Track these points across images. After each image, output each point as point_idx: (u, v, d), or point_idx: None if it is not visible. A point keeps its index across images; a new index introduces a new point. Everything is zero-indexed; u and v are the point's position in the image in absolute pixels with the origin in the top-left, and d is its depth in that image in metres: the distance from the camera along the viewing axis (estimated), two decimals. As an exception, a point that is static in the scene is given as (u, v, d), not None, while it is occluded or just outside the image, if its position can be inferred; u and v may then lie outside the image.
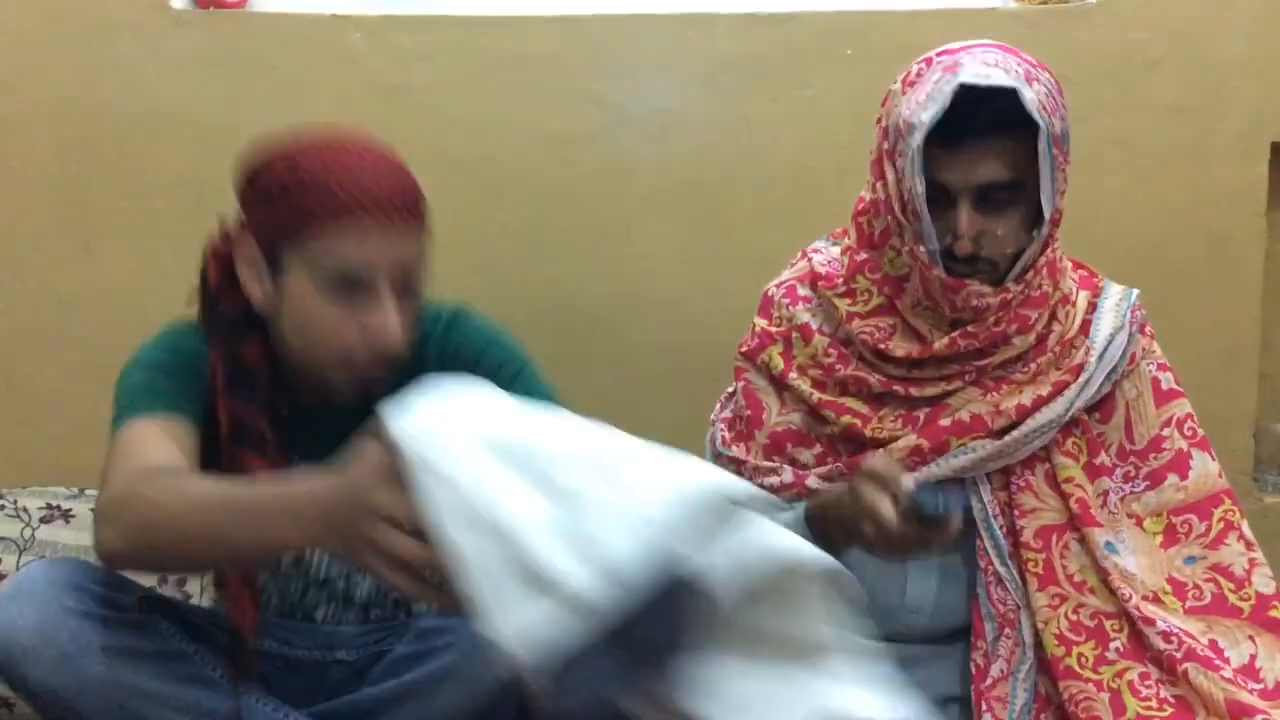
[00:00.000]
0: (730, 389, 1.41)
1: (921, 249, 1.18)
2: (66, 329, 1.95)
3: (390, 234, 1.12)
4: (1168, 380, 1.28)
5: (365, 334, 1.12)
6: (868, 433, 1.25)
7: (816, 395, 1.28)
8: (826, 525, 1.15)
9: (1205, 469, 1.26)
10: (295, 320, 1.14)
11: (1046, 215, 1.16)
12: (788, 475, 1.29)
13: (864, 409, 1.26)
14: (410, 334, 1.17)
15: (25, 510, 1.78)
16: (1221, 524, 1.25)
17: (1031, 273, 1.19)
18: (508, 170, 1.90)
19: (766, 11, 1.88)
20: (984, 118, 1.12)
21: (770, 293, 1.35)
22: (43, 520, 1.77)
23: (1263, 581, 1.23)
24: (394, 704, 1.21)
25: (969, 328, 1.20)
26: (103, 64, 1.89)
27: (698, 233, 1.91)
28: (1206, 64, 1.85)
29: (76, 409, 1.92)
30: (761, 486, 1.34)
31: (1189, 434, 1.26)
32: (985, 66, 1.13)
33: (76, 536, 1.75)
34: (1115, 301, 1.27)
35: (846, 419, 1.26)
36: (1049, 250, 1.21)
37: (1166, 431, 1.26)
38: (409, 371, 1.19)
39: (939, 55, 1.19)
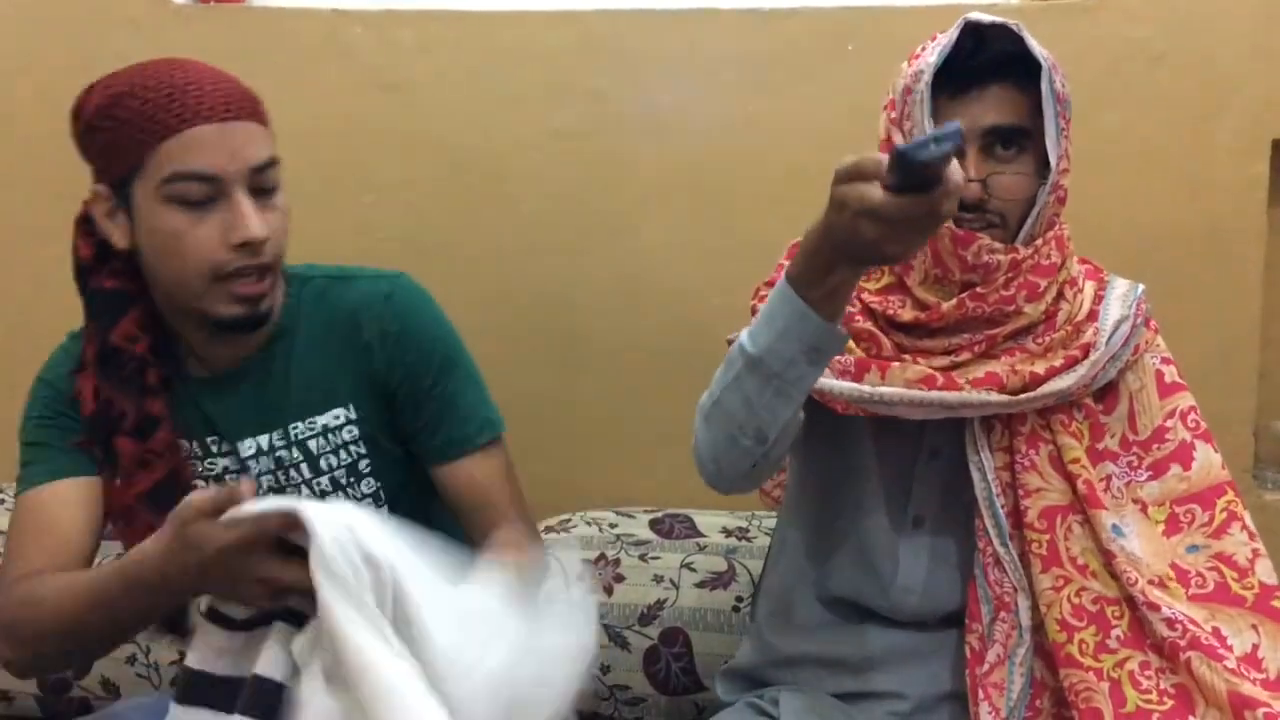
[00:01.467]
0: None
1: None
2: (64, 324, 1.94)
3: (225, 135, 1.11)
4: (1171, 373, 1.28)
5: (225, 234, 1.11)
6: (883, 353, 1.24)
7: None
8: (822, 268, 1.06)
9: (1208, 460, 1.25)
10: (157, 249, 1.13)
11: (1052, 161, 1.17)
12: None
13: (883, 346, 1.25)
14: (281, 237, 1.16)
15: (25, 504, 1.78)
16: (1225, 514, 1.24)
17: (1041, 240, 1.20)
18: (508, 166, 1.90)
19: (768, 7, 1.87)
20: (988, 59, 1.16)
21: (783, 263, 1.34)
22: (43, 514, 1.77)
23: (1265, 572, 1.22)
24: None
25: (978, 288, 1.20)
26: (103, 59, 1.86)
27: (699, 228, 1.91)
28: (1208, 61, 1.84)
29: (77, 403, 1.93)
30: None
31: (1192, 425, 1.26)
32: (988, 14, 1.17)
33: (76, 531, 1.75)
34: (1122, 293, 1.27)
35: (857, 353, 1.24)
36: (1058, 226, 1.22)
37: (1170, 423, 1.26)
38: (348, 341, 1.25)
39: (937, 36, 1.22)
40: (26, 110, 1.91)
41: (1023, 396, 1.21)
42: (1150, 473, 1.26)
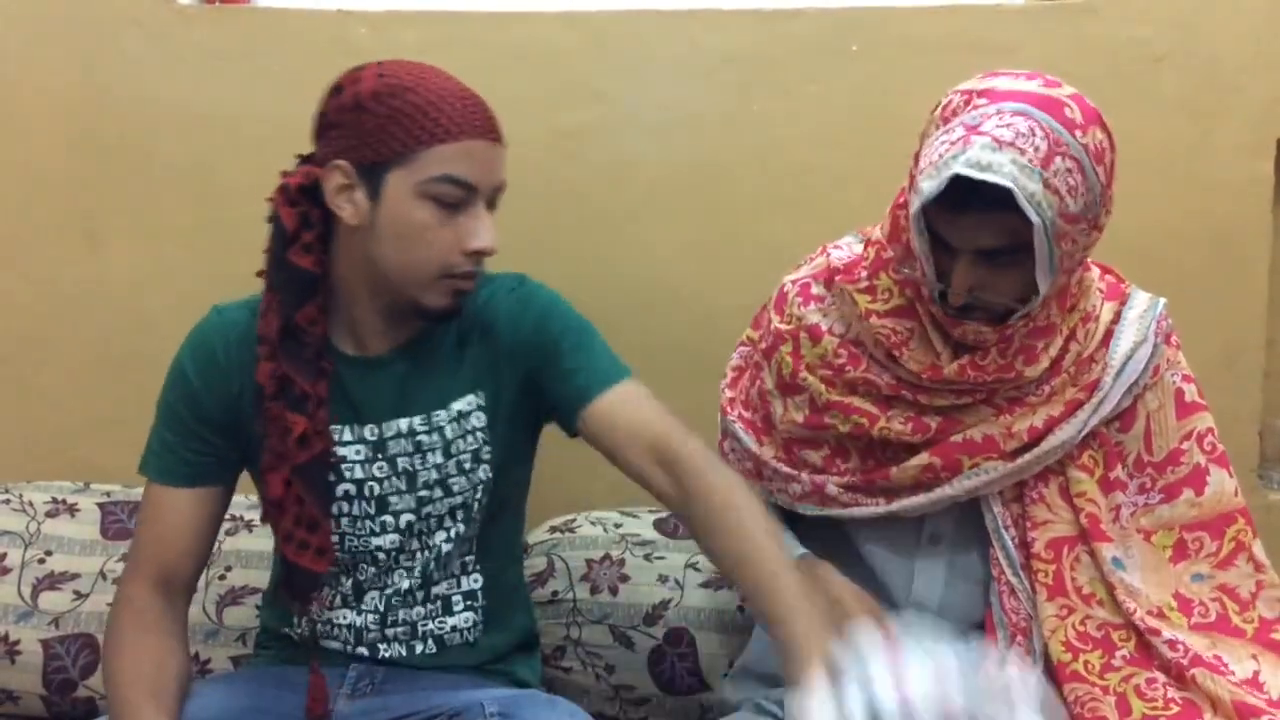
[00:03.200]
0: (735, 361, 1.42)
1: (925, 285, 1.19)
2: (72, 324, 1.95)
3: (490, 152, 1.22)
4: (1191, 392, 1.27)
5: (462, 240, 1.21)
6: (875, 432, 1.25)
7: (825, 396, 1.28)
8: None
9: (1221, 486, 1.25)
10: (398, 235, 1.20)
11: (1041, 292, 1.13)
12: (806, 483, 1.31)
13: (872, 409, 1.26)
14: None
15: (31, 504, 1.79)
16: (1233, 544, 1.24)
17: (1038, 309, 1.18)
18: (512, 166, 1.86)
19: (771, 7, 1.87)
20: (985, 195, 1.07)
21: (785, 288, 1.35)
22: (48, 514, 1.78)
23: (1267, 606, 1.23)
24: None
25: (976, 358, 1.20)
26: (108, 59, 1.90)
27: (703, 228, 1.91)
28: (1212, 61, 1.84)
29: (82, 404, 1.93)
30: (781, 492, 1.35)
31: (1208, 449, 1.25)
32: (994, 152, 1.06)
33: (81, 531, 1.75)
34: (1140, 312, 1.26)
35: (855, 418, 1.26)
36: (1067, 278, 1.20)
37: (1185, 445, 1.25)
38: (482, 330, 1.32)
39: (975, 99, 1.12)
40: (30, 109, 1.91)
41: (1021, 461, 1.22)
42: (1162, 495, 1.25)
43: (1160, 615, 1.21)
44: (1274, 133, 1.85)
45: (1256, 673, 1.18)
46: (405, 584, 1.35)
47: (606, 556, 1.71)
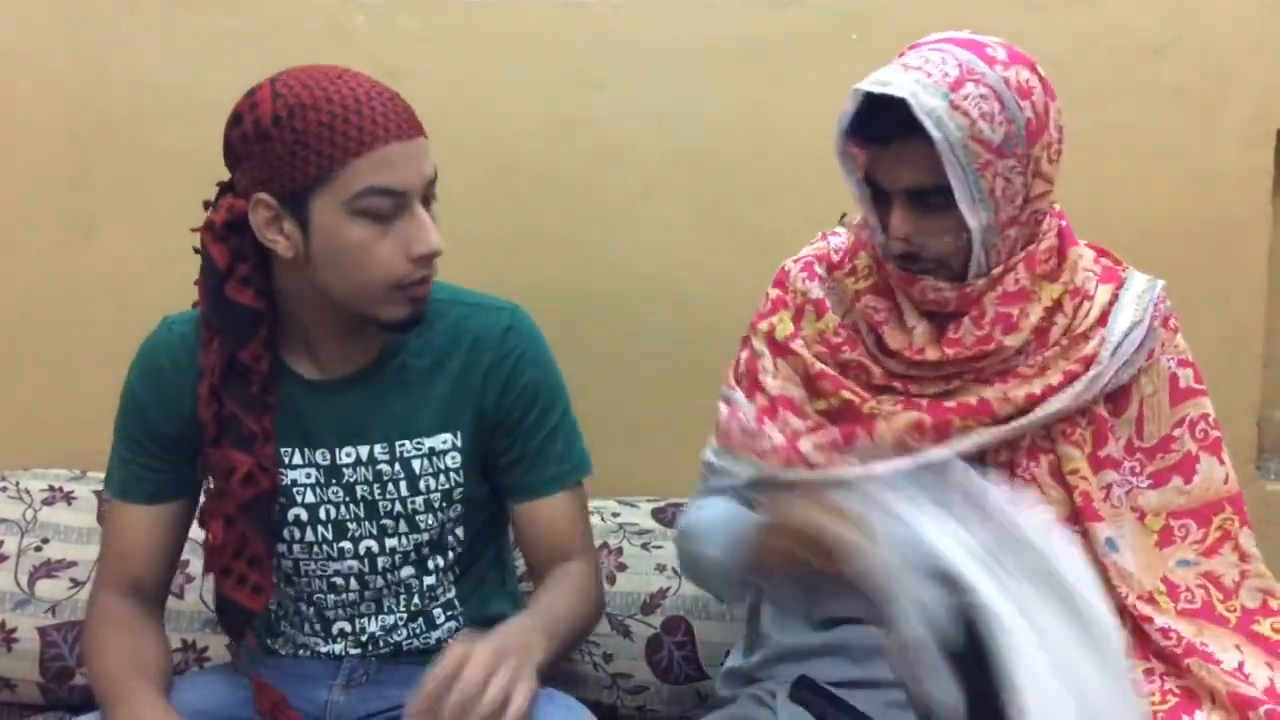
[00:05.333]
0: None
1: (879, 243, 1.20)
2: (68, 312, 1.95)
3: (410, 150, 1.14)
4: (1187, 377, 1.26)
5: (407, 248, 1.15)
6: (865, 410, 1.24)
7: (818, 365, 1.27)
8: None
9: (1210, 475, 1.24)
10: (333, 258, 1.14)
11: (970, 225, 1.13)
12: (777, 437, 1.26)
13: (863, 392, 1.25)
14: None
15: (27, 492, 1.78)
16: (1219, 532, 1.24)
17: (1000, 268, 1.18)
18: (510, 154, 1.89)
19: (771, -4, 1.87)
20: (891, 123, 1.10)
21: (787, 267, 1.36)
22: (45, 502, 1.78)
23: (1249, 595, 1.23)
24: None
25: (951, 333, 1.19)
26: (104, 44, 1.89)
27: (701, 218, 1.90)
28: (1211, 50, 1.84)
29: (79, 393, 1.92)
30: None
31: (1200, 436, 1.25)
32: (900, 72, 1.11)
33: (78, 519, 1.75)
34: (1137, 293, 1.25)
35: (845, 394, 1.25)
36: (1031, 246, 1.20)
37: (1177, 432, 1.25)
38: (466, 369, 1.29)
39: (899, 55, 1.18)
40: (26, 96, 1.90)
41: (1014, 424, 1.20)
42: (1150, 481, 1.25)
43: (1151, 600, 1.21)
44: (1273, 123, 1.85)
45: (1241, 663, 1.18)
46: (381, 620, 1.35)
47: (604, 545, 1.71)
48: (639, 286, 1.91)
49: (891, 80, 1.10)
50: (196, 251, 1.20)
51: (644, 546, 1.72)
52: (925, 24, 1.82)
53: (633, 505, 1.82)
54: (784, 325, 1.31)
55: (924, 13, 1.82)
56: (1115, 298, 1.25)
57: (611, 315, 1.92)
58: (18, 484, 1.80)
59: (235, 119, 1.14)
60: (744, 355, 1.36)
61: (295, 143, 1.10)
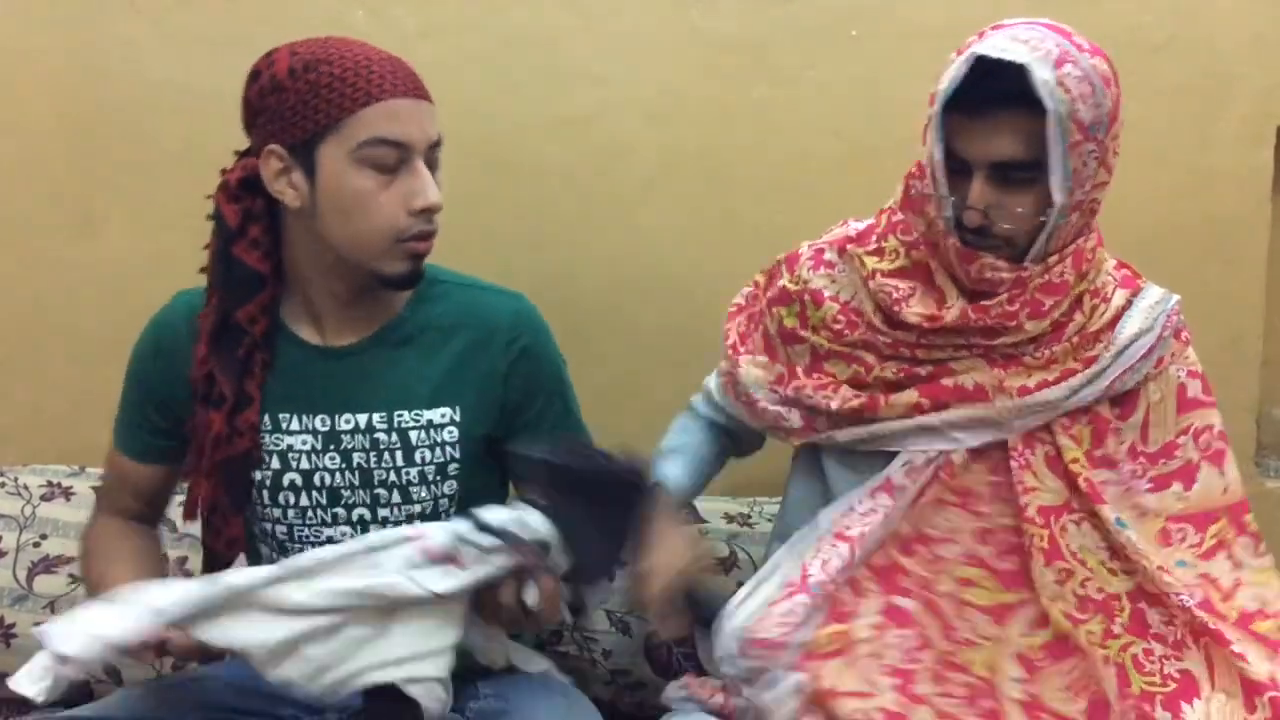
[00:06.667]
0: (739, 300, 1.44)
1: (941, 216, 1.19)
2: (67, 307, 1.95)
3: (417, 109, 1.19)
4: (1195, 388, 1.27)
5: (407, 200, 1.19)
6: (870, 378, 1.27)
7: (827, 345, 1.30)
8: None
9: (1210, 485, 1.26)
10: (342, 208, 1.19)
11: (1056, 201, 1.14)
12: (796, 420, 1.32)
13: (870, 359, 1.27)
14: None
15: (26, 488, 1.78)
16: (1214, 540, 1.25)
17: (1055, 257, 1.19)
18: (509, 150, 1.89)
19: (771, -8, 1.87)
20: (1000, 92, 1.12)
21: (801, 250, 1.37)
22: (43, 498, 1.78)
23: (1247, 599, 1.24)
24: None
25: (983, 301, 1.20)
26: (103, 40, 1.88)
27: (701, 214, 1.90)
28: (1212, 48, 1.84)
29: (77, 387, 1.92)
30: (777, 424, 1.36)
31: (1203, 446, 1.26)
32: (1011, 41, 1.13)
33: (77, 514, 1.74)
34: (1150, 304, 1.27)
35: (855, 367, 1.28)
36: (1081, 239, 1.21)
37: (1181, 440, 1.26)
38: (475, 346, 1.31)
39: (990, 29, 1.19)
40: (25, 92, 1.90)
41: (1001, 407, 1.22)
42: (1150, 484, 1.26)
43: (1168, 572, 1.22)
44: (1274, 121, 1.85)
45: (1244, 653, 1.19)
46: None
47: (603, 542, 1.71)
48: (638, 282, 1.91)
49: (1007, 49, 1.12)
50: (210, 218, 1.26)
51: (643, 543, 1.72)
52: (925, 21, 1.83)
53: (632, 502, 1.81)
54: (789, 320, 1.35)
55: (924, 10, 1.83)
56: (1129, 304, 1.27)
57: (611, 311, 1.92)
58: (16, 480, 1.80)
59: (253, 75, 1.21)
60: (763, 324, 1.39)
61: (307, 92, 1.16)
